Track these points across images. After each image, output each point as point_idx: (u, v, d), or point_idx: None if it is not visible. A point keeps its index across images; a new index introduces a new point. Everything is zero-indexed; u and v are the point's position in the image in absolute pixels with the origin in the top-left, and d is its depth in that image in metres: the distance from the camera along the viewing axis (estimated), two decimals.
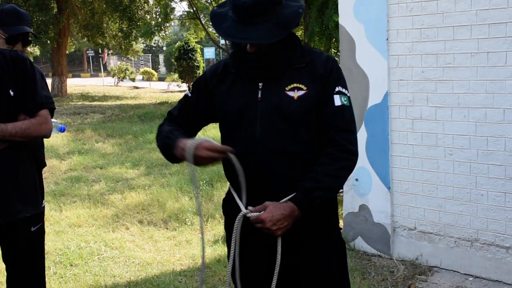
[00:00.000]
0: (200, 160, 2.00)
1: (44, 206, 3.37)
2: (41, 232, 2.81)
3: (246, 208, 2.00)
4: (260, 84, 2.05)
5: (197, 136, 2.17)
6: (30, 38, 3.30)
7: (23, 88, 2.55)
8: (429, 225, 4.26)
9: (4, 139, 2.45)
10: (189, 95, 2.24)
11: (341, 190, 4.94)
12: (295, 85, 2.02)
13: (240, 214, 2.00)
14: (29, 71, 2.58)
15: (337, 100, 2.02)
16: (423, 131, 4.19)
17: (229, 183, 2.18)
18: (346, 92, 2.07)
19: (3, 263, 2.78)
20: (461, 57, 3.94)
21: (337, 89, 2.04)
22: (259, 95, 2.04)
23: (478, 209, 4.00)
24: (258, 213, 1.94)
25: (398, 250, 4.44)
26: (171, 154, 2.10)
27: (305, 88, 2.01)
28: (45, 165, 3.41)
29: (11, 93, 2.50)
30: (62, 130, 3.33)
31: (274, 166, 2.01)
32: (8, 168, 2.52)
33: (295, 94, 2.01)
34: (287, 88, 2.02)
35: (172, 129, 2.16)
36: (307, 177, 1.97)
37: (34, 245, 2.74)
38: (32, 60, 2.84)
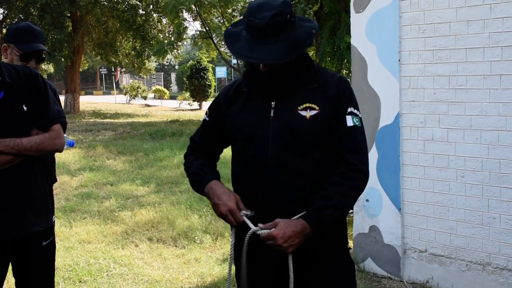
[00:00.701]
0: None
1: (54, 221, 3.39)
2: (52, 246, 2.82)
3: (256, 226, 1.99)
4: (272, 103, 2.07)
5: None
6: (43, 56, 3.34)
7: (36, 103, 2.58)
8: (440, 248, 4.22)
9: (19, 154, 2.47)
10: (207, 119, 2.29)
11: (351, 211, 4.92)
12: (307, 104, 2.03)
13: (250, 231, 2.00)
14: (41, 86, 2.62)
15: (349, 121, 2.03)
16: (435, 152, 4.17)
17: None
18: (358, 113, 2.09)
19: (13, 277, 2.79)
20: (474, 79, 3.94)
21: (349, 110, 2.05)
22: (272, 114, 2.05)
23: (490, 232, 3.96)
24: (269, 230, 1.94)
25: (409, 272, 4.39)
26: (201, 192, 2.18)
27: (317, 108, 2.02)
28: (55, 180, 3.43)
29: (24, 108, 2.53)
30: (71, 145, 3.36)
31: (285, 184, 2.01)
32: (21, 183, 2.54)
33: (308, 114, 2.02)
34: (299, 108, 2.03)
35: (200, 165, 2.23)
36: (319, 195, 1.97)
37: (45, 259, 2.74)
38: (45, 77, 2.88)
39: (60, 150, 2.74)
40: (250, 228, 2.01)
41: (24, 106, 2.53)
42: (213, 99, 2.39)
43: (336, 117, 2.03)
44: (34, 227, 2.59)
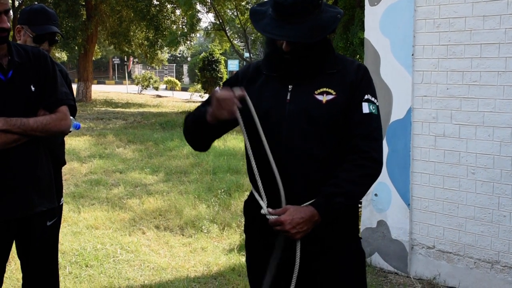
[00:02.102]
0: (224, 103, 1.96)
1: (62, 204, 3.40)
2: (56, 227, 2.83)
3: (266, 210, 1.98)
4: (290, 86, 2.05)
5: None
6: (56, 38, 3.34)
7: (43, 83, 2.58)
8: (448, 245, 4.19)
9: (25, 134, 2.48)
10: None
11: (359, 206, 4.90)
12: (324, 89, 2.02)
13: (261, 211, 1.98)
14: (49, 67, 2.62)
15: (365, 108, 2.02)
16: (446, 148, 4.14)
17: (251, 186, 2.17)
18: (375, 101, 2.07)
19: (19, 259, 2.80)
20: (488, 75, 3.90)
21: (366, 96, 2.04)
22: (288, 97, 2.04)
23: (500, 230, 3.92)
24: (277, 216, 1.93)
25: (416, 268, 4.37)
26: (204, 122, 2.06)
27: (334, 93, 2.01)
28: (64, 163, 3.44)
29: (32, 88, 2.54)
30: (77, 127, 3.37)
31: (297, 168, 2.00)
32: (26, 163, 2.55)
33: (324, 98, 2.00)
34: (316, 92, 2.02)
35: (199, 108, 2.16)
36: (329, 183, 1.95)
37: (49, 240, 2.75)
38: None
39: (66, 132, 2.75)
40: (261, 208, 2.00)
41: (32, 86, 2.54)
42: None
43: (352, 103, 2.01)
44: (38, 207, 2.60)
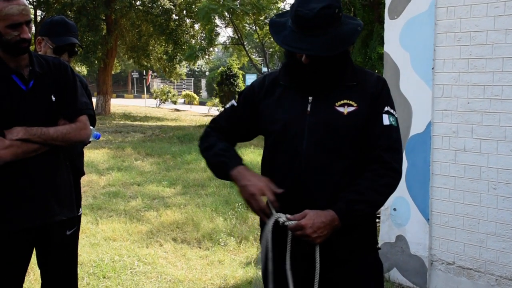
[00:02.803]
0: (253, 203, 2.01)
1: (81, 215, 3.42)
2: (75, 237, 2.84)
3: (284, 218, 1.96)
4: (310, 97, 2.05)
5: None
6: (76, 49, 3.39)
7: (64, 93, 2.61)
8: (468, 261, 4.12)
9: (45, 143, 2.50)
10: (236, 104, 2.25)
11: (378, 220, 4.85)
12: (345, 101, 2.02)
13: (274, 218, 1.96)
14: (70, 77, 2.66)
15: (386, 120, 2.01)
16: (466, 163, 4.09)
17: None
18: (394, 113, 2.07)
19: (38, 270, 2.81)
20: (510, 89, 3.85)
21: (386, 108, 2.04)
22: (308, 109, 2.04)
23: None
24: (297, 221, 1.91)
25: (435, 284, 4.30)
26: (225, 174, 2.10)
27: (355, 105, 2.01)
28: (83, 173, 3.47)
29: (53, 98, 2.57)
30: (97, 137, 3.40)
31: (318, 181, 1.99)
32: (46, 172, 2.57)
33: (345, 110, 2.00)
34: (337, 104, 2.02)
35: (226, 147, 2.16)
36: (350, 189, 1.95)
37: (68, 249, 2.76)
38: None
39: (86, 141, 2.78)
40: (280, 223, 1.97)
41: (52, 96, 2.57)
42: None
43: (372, 115, 2.01)
44: (58, 216, 2.61)
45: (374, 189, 1.94)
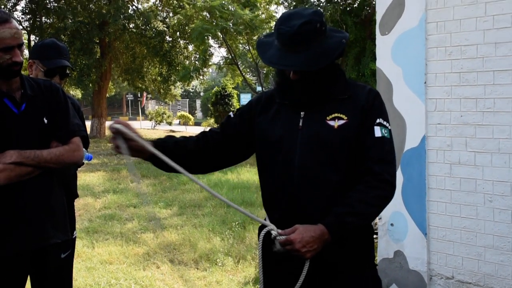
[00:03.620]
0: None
1: (75, 237, 3.39)
2: (70, 260, 2.81)
3: (276, 232, 1.96)
4: (302, 113, 2.06)
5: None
6: (67, 72, 3.39)
7: (56, 115, 2.61)
8: (467, 275, 4.10)
9: (39, 166, 2.49)
10: (232, 116, 2.28)
11: (375, 236, 4.83)
12: (336, 114, 2.02)
13: (264, 230, 1.97)
14: (61, 99, 2.66)
15: (378, 132, 2.01)
16: (462, 176, 4.09)
17: (266, 214, 2.16)
18: (387, 124, 2.06)
19: None
20: (502, 102, 3.87)
21: (378, 120, 2.03)
22: (300, 124, 2.05)
23: None
24: (287, 236, 1.91)
25: None
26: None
27: (345, 118, 2.01)
28: (77, 196, 3.45)
29: (45, 120, 2.57)
30: (89, 158, 3.39)
31: (311, 195, 1.99)
32: (40, 194, 2.55)
33: (336, 124, 2.01)
34: (328, 118, 2.03)
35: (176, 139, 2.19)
36: (341, 202, 1.94)
37: (63, 273, 2.74)
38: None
39: (80, 163, 2.76)
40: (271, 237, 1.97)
41: (44, 118, 2.57)
42: None
43: (364, 128, 2.01)
44: (53, 239, 2.59)
45: (364, 201, 1.93)
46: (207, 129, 2.33)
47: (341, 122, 2.01)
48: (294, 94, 2.05)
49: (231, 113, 2.29)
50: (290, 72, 2.00)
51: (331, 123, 2.01)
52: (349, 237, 1.98)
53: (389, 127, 2.07)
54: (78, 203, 8.45)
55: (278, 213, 2.01)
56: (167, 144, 2.15)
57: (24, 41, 2.57)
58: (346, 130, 2.00)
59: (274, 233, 1.96)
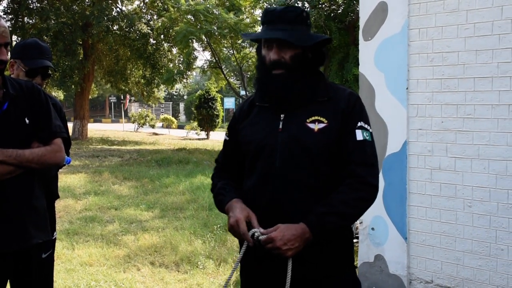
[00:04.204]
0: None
1: (55, 238, 3.36)
2: (51, 260, 2.79)
3: (259, 231, 1.98)
4: (282, 115, 2.07)
5: None
6: (49, 72, 3.35)
7: (38, 116, 2.59)
8: (446, 279, 4.14)
9: (21, 165, 2.47)
10: (227, 138, 2.32)
11: (356, 240, 4.86)
12: (316, 117, 2.04)
13: (250, 232, 1.98)
14: (43, 100, 2.64)
15: (359, 135, 2.02)
16: (442, 181, 4.13)
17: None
18: (368, 127, 2.08)
19: None
20: (482, 108, 3.93)
21: (359, 124, 2.05)
22: (280, 126, 2.06)
23: (498, 264, 3.89)
24: (269, 234, 1.92)
25: None
26: (223, 210, 2.17)
27: (326, 121, 2.02)
28: (58, 197, 3.41)
29: (27, 121, 2.55)
30: (67, 162, 3.36)
31: (292, 197, 2.00)
32: (21, 195, 2.53)
33: (316, 127, 2.02)
34: (308, 120, 2.04)
35: (224, 185, 2.23)
36: (322, 202, 1.96)
37: (44, 272, 2.71)
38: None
39: (61, 164, 2.74)
40: (255, 244, 1.98)
41: (26, 119, 2.55)
42: (220, 129, 2.44)
43: (345, 131, 2.03)
44: (34, 239, 2.56)
45: (345, 202, 1.94)
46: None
47: (321, 125, 2.02)
48: (275, 88, 2.05)
49: (226, 136, 2.34)
50: (273, 67, 2.03)
51: (311, 126, 2.03)
52: (330, 238, 1.99)
53: (370, 130, 2.09)
54: (58, 204, 8.37)
55: (259, 213, 2.01)
56: (236, 190, 2.20)
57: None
58: (326, 133, 2.01)
59: (257, 234, 1.97)
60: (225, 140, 2.34)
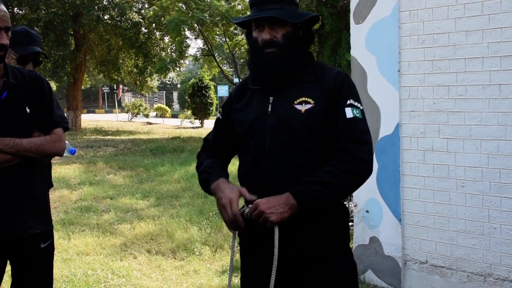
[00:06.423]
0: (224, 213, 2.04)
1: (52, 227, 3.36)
2: (50, 250, 2.78)
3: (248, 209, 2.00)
4: (271, 98, 2.08)
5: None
6: (40, 59, 3.34)
7: (40, 106, 2.59)
8: (441, 259, 4.18)
9: (18, 154, 2.47)
10: (220, 117, 2.32)
11: (351, 224, 4.89)
12: (303, 98, 2.04)
13: (244, 211, 2.01)
14: (46, 90, 2.64)
15: (349, 113, 2.01)
16: (435, 162, 4.16)
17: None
18: (358, 105, 2.06)
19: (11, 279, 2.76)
20: (473, 89, 3.94)
21: (348, 102, 2.03)
22: (269, 109, 2.07)
23: (491, 243, 3.93)
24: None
25: (409, 283, 4.35)
26: (207, 189, 2.16)
27: (312, 102, 2.03)
28: (51, 185, 3.41)
29: (27, 110, 2.54)
30: (72, 152, 3.35)
31: (281, 179, 2.01)
32: (20, 184, 2.53)
33: (303, 108, 2.02)
34: (295, 102, 2.05)
35: (210, 163, 2.22)
36: (310, 174, 1.96)
37: (43, 262, 2.70)
38: None
39: (60, 154, 2.73)
40: (250, 229, 2.02)
41: (27, 108, 2.54)
42: (214, 117, 2.44)
43: (334, 111, 2.02)
44: (32, 229, 2.57)
45: (331, 172, 1.93)
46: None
47: (308, 106, 2.02)
48: (266, 66, 2.06)
49: (219, 115, 2.34)
50: (264, 47, 2.04)
51: (299, 107, 2.03)
52: (319, 212, 1.99)
53: (361, 108, 2.07)
54: (53, 195, 8.37)
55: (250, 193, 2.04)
56: (223, 170, 2.22)
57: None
58: (312, 114, 2.01)
59: (246, 210, 1.99)
60: (217, 118, 2.34)
